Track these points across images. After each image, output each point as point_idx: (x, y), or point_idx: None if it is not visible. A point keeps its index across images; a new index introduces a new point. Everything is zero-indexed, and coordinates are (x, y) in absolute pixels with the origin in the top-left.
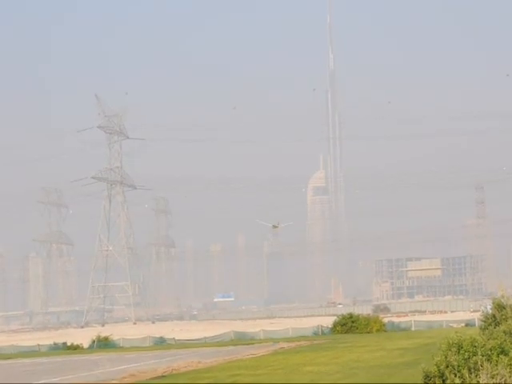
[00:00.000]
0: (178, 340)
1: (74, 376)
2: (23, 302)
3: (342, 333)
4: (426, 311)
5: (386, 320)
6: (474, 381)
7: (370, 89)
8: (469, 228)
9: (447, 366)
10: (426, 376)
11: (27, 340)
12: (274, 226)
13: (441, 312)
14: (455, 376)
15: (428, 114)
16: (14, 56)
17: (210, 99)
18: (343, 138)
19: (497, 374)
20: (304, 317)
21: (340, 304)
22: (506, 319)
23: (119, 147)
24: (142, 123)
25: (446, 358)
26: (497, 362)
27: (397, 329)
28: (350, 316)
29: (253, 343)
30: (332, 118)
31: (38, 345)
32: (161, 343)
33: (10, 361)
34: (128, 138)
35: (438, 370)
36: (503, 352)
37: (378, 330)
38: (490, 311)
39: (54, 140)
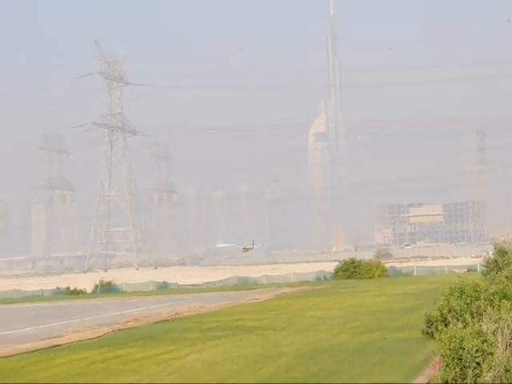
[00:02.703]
0: (181, 285)
1: (78, 320)
2: (26, 247)
3: (343, 278)
4: (427, 257)
5: (387, 265)
6: (477, 325)
7: (370, 36)
8: (471, 174)
9: (449, 311)
10: (429, 321)
11: (30, 285)
12: (246, 249)
13: (443, 258)
14: (457, 320)
15: (429, 61)
16: (12, 4)
17: (209, 45)
18: (344, 85)
19: (499, 319)
20: (306, 262)
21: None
22: (508, 264)
23: (119, 93)
24: (143, 70)
25: (448, 302)
26: (499, 306)
27: (399, 274)
28: (352, 261)
29: (255, 288)
30: (332, 64)
31: (41, 289)
32: (163, 288)
33: (13, 305)
34: (128, 84)
35: (441, 314)
36: (505, 297)
37: (379, 276)
38: (492, 257)
39: (54, 87)
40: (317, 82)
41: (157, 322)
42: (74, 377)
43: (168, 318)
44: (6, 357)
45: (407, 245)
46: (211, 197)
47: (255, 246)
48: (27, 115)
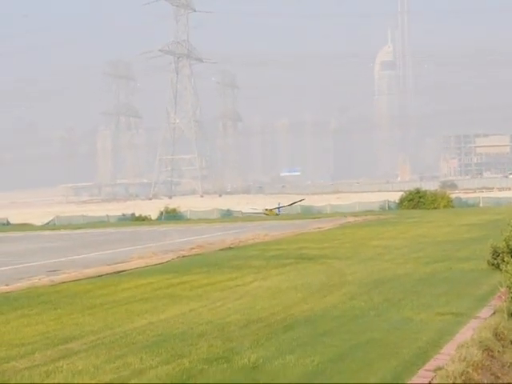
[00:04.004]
0: (245, 213)
1: (143, 246)
2: (92, 174)
3: (408, 208)
4: (493, 188)
5: (453, 196)
6: None
7: None
8: None
9: None
10: (494, 252)
11: (97, 211)
12: (269, 211)
13: (509, 189)
14: None
15: None
16: None
17: None
18: (412, 13)
19: None
20: (370, 192)
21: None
22: None
23: (186, 20)
24: None
25: None
26: None
27: (464, 205)
28: (417, 191)
29: (319, 217)
30: None
31: (107, 215)
32: (228, 216)
33: (80, 230)
34: (195, 11)
35: (507, 245)
36: None
37: (445, 206)
38: None
39: (120, 13)
40: (384, 9)
41: (221, 250)
42: (140, 301)
43: (232, 246)
44: (73, 281)
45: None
46: (276, 125)
47: (279, 210)
48: (94, 42)
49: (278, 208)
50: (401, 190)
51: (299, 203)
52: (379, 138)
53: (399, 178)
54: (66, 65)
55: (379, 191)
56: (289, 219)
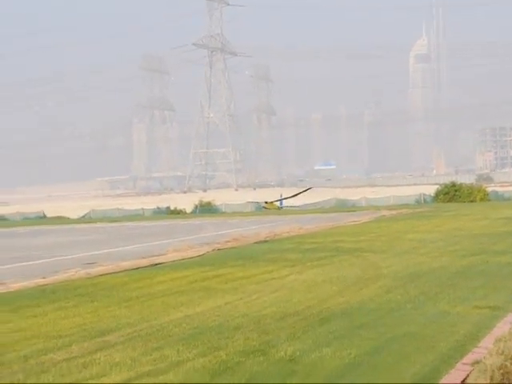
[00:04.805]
0: (280, 206)
1: (178, 239)
2: (127, 167)
3: (444, 201)
4: None
5: (489, 189)
6: None
7: None
8: None
9: None
10: None
11: (132, 204)
12: (269, 204)
13: None
14: None
15: None
16: None
17: None
18: (447, 6)
19: None
20: (405, 185)
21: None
22: None
23: (220, 14)
24: None
25: None
26: None
27: (500, 198)
28: (453, 185)
29: (354, 210)
30: None
31: (142, 209)
32: (262, 209)
33: (116, 223)
34: (228, 4)
35: None
36: None
37: (481, 199)
38: None
39: (155, 8)
40: (418, 2)
41: (256, 243)
42: (176, 294)
43: (267, 239)
44: (109, 273)
45: None
46: (310, 119)
47: (282, 203)
48: (129, 37)
49: (280, 200)
50: (436, 184)
51: (294, 202)
52: (414, 131)
53: (434, 172)
54: (102, 59)
55: (414, 184)
56: (324, 212)
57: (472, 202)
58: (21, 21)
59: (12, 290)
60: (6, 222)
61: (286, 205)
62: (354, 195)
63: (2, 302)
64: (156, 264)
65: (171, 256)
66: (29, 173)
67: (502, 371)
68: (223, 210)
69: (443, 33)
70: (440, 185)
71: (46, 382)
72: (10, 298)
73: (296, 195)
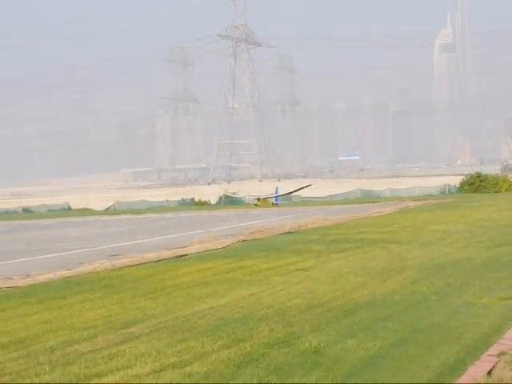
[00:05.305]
0: (304, 197)
1: (203, 231)
2: (151, 159)
3: (469, 192)
4: None
5: None
6: None
7: None
8: None
9: None
10: None
11: (156, 196)
12: (261, 201)
13: None
14: None
15: None
16: None
17: None
18: None
19: None
20: (430, 176)
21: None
22: None
23: (244, 4)
24: None
25: None
26: None
27: None
28: (478, 175)
29: (379, 201)
30: None
31: (167, 200)
32: (286, 200)
33: (140, 215)
34: None
35: None
36: None
37: (506, 190)
38: None
39: None
40: None
41: (281, 234)
42: (200, 286)
43: (292, 230)
44: (134, 265)
45: None
46: (334, 109)
47: (277, 200)
48: (153, 27)
49: (276, 196)
50: (461, 174)
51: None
52: (438, 121)
53: (459, 162)
54: (126, 51)
55: (439, 175)
56: (348, 203)
57: (497, 192)
58: (61, 8)
59: (38, 282)
60: (32, 214)
61: (283, 201)
62: (378, 186)
63: (28, 293)
64: (181, 256)
65: (196, 247)
66: (54, 164)
67: None
68: (247, 202)
69: (468, 22)
70: (465, 175)
71: (72, 373)
72: (36, 290)
73: (295, 191)
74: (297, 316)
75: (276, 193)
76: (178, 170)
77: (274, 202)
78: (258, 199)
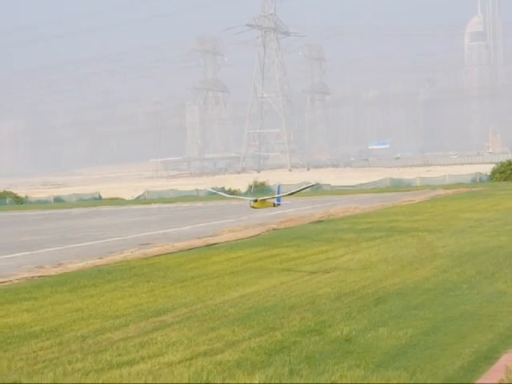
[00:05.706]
0: (334, 186)
1: (233, 220)
2: (181, 148)
3: (500, 180)
4: None
5: None
6: None
7: None
8: None
9: None
10: None
11: (186, 185)
12: (259, 203)
13: None
14: None
15: None
16: None
17: None
18: None
19: None
20: (460, 164)
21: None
22: None
23: None
24: None
25: None
26: None
27: None
28: (509, 163)
29: (409, 190)
30: None
31: (197, 189)
32: (316, 189)
33: (170, 204)
34: None
35: None
36: None
37: None
38: None
39: None
40: None
41: (311, 223)
42: (230, 275)
43: (322, 219)
44: (164, 254)
45: None
46: (364, 98)
47: (279, 200)
48: (182, 18)
49: (277, 197)
50: (492, 162)
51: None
52: (469, 109)
53: (490, 150)
54: (155, 41)
55: (470, 163)
56: (378, 192)
57: None
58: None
59: (69, 270)
60: (63, 203)
61: (285, 202)
62: (408, 175)
63: (60, 282)
64: (211, 244)
65: (226, 236)
66: (85, 154)
67: None
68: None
69: (498, 10)
70: (496, 163)
71: (104, 360)
72: (68, 279)
73: (298, 191)
74: (327, 304)
75: (278, 192)
76: (207, 160)
77: (276, 203)
78: (256, 200)
